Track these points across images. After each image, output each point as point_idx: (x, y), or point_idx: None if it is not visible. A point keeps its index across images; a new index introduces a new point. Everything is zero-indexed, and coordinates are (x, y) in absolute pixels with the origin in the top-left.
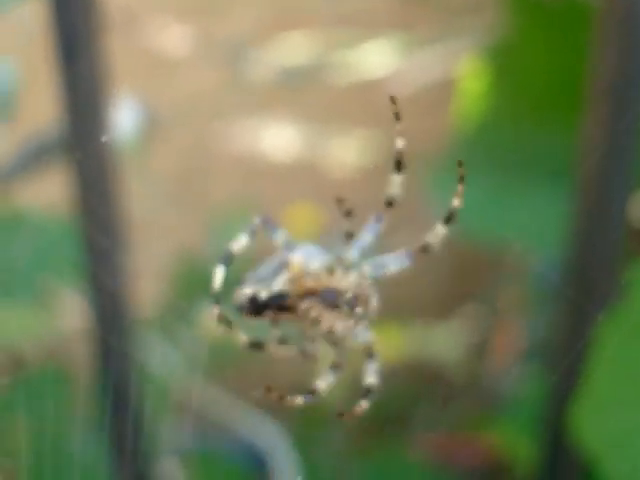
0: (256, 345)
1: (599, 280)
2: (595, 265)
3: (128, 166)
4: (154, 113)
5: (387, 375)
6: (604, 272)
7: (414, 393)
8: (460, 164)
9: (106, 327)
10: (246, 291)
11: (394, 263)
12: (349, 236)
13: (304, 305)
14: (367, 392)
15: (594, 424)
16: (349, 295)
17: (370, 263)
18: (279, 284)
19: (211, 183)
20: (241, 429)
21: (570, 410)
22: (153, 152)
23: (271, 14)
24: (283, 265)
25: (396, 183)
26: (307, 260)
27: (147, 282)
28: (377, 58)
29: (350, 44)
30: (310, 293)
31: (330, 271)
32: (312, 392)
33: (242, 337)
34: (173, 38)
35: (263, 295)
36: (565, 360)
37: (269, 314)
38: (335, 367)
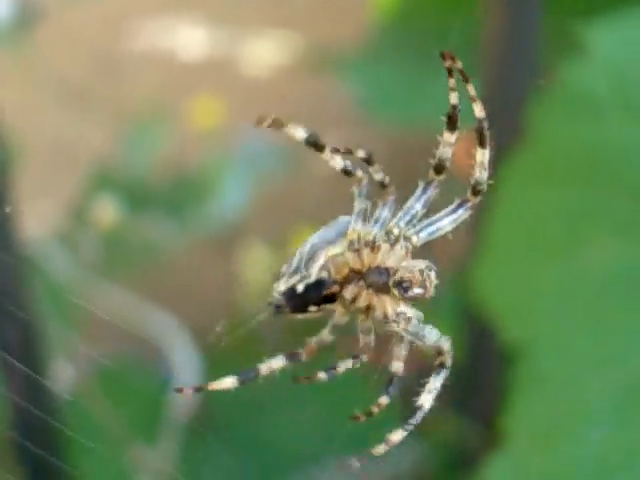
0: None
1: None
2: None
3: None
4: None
5: None
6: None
7: None
8: None
9: None
10: (280, 288)
11: (450, 222)
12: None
13: (349, 292)
14: (390, 381)
15: (495, 284)
16: (402, 275)
17: (422, 232)
18: (315, 271)
19: (120, 86)
20: (144, 329)
21: (473, 274)
22: (57, 54)
23: None
24: (318, 247)
25: (448, 142)
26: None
27: (56, 198)
28: None
29: None
30: (354, 276)
31: (374, 248)
32: (333, 369)
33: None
34: None
35: (300, 287)
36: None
37: (313, 308)
38: (356, 357)
